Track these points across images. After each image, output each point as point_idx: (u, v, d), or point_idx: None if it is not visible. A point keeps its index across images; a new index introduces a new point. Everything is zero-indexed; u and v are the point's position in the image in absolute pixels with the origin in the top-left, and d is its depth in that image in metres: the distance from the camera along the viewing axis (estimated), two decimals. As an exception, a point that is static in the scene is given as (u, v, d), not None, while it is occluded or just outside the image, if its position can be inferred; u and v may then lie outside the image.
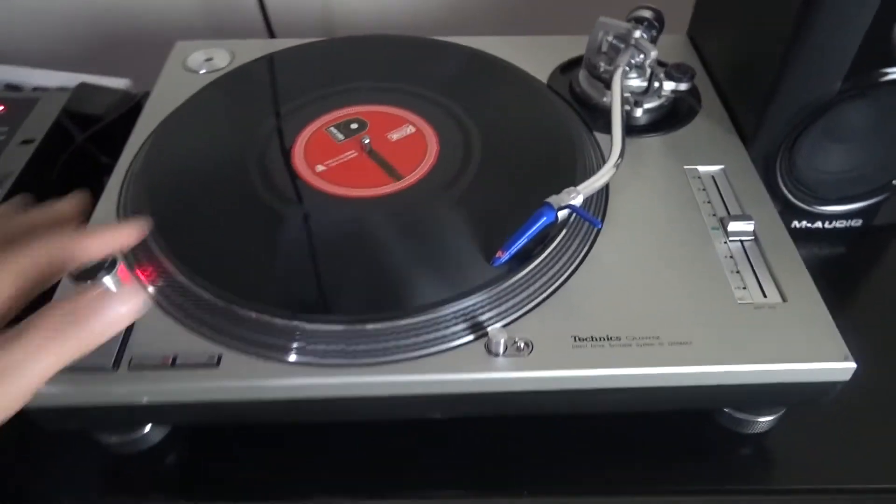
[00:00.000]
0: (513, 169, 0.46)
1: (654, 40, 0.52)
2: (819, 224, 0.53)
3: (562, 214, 0.40)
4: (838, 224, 0.54)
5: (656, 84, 0.50)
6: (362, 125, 0.49)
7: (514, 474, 0.42)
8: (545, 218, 0.40)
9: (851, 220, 0.53)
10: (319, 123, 0.49)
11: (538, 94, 0.52)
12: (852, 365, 0.37)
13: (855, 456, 0.43)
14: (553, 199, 0.40)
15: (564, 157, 0.46)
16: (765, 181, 0.50)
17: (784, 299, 0.40)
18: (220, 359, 0.36)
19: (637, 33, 0.50)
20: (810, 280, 0.40)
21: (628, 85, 0.51)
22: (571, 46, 0.58)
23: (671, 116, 0.52)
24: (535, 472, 0.42)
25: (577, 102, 0.53)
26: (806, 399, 0.39)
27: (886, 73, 0.44)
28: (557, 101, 0.52)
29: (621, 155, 0.44)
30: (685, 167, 0.48)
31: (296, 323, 0.37)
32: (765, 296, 0.40)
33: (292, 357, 0.36)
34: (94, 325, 0.27)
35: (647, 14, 0.52)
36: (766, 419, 0.42)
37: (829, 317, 0.38)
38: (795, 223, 0.53)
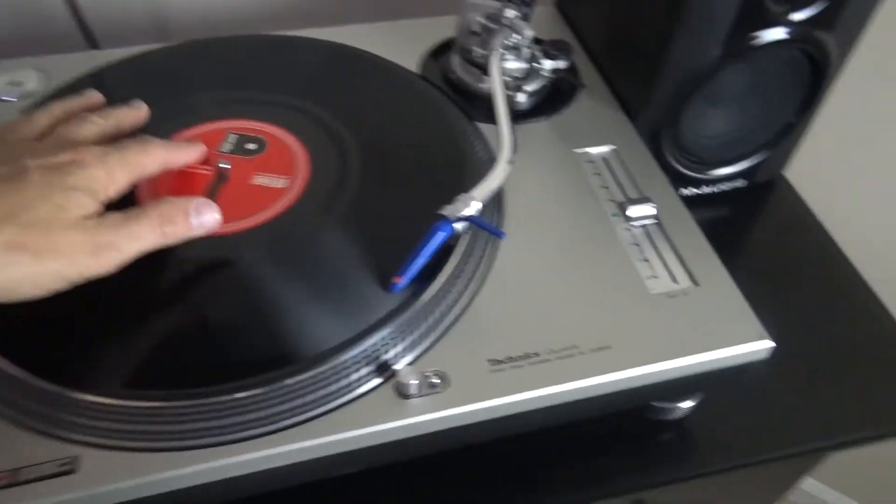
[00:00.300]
0: (396, 179, 0.41)
1: (526, 17, 0.49)
2: (706, 189, 0.53)
3: (460, 226, 0.36)
4: (724, 187, 0.54)
5: (536, 65, 0.47)
6: (260, 148, 0.42)
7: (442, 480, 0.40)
8: (442, 233, 0.36)
9: (736, 181, 0.54)
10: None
11: (415, 88, 0.47)
12: (770, 344, 0.36)
13: (771, 422, 0.43)
14: (448, 211, 0.36)
15: (450, 157, 0.42)
16: (653, 154, 0.48)
17: (695, 283, 0.38)
18: (76, 462, 0.30)
19: (509, 12, 0.47)
20: (717, 259, 0.39)
21: (506, 68, 0.47)
22: (438, 29, 0.54)
23: (553, 97, 0.49)
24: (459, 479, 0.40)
25: (455, 91, 0.49)
26: (728, 380, 0.38)
27: (760, 36, 0.43)
28: (435, 94, 0.48)
29: (514, 149, 0.40)
30: (575, 151, 0.45)
31: (154, 403, 0.31)
32: (676, 282, 0.38)
33: (166, 443, 0.31)
34: (192, 222, 0.34)
35: (516, -10, 0.49)
36: (686, 405, 0.41)
37: (741, 296, 0.37)
38: (683, 190, 0.53)
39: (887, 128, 0.69)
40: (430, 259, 0.35)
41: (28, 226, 0.29)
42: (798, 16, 0.42)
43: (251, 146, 0.42)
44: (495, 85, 0.44)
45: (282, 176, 0.40)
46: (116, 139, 0.35)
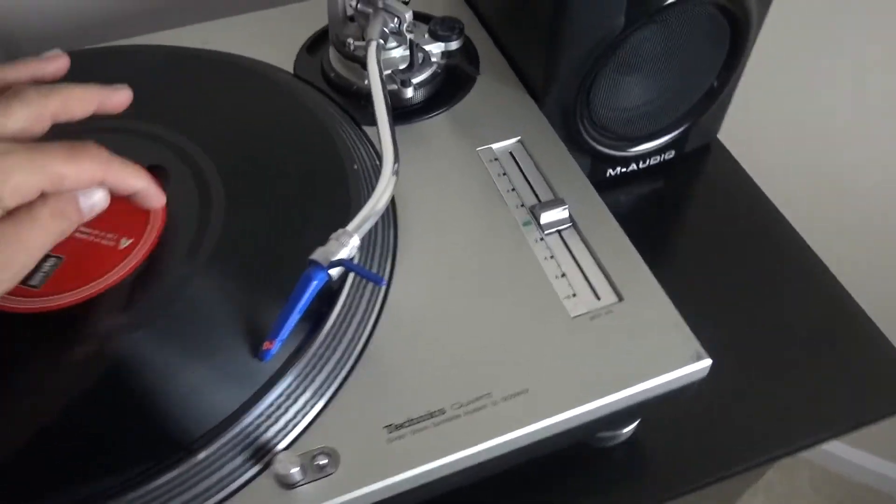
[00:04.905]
0: (269, 212, 0.35)
1: (408, -5, 0.43)
2: (634, 166, 0.48)
3: (336, 272, 0.30)
4: (652, 161, 0.49)
5: (420, 54, 0.41)
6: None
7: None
8: (315, 282, 0.30)
9: (664, 153, 0.49)
10: None
11: (287, 94, 0.40)
12: (707, 362, 0.31)
13: (731, 425, 0.39)
14: (319, 255, 0.30)
15: (332, 176, 0.36)
16: (567, 137, 0.43)
17: (620, 298, 0.33)
18: None
19: (383, -8, 0.40)
20: (644, 265, 0.34)
21: (390, 59, 0.41)
22: (315, 15, 0.47)
23: (450, 85, 0.43)
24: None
25: (336, 92, 0.43)
26: (665, 402, 0.33)
27: (670, -6, 0.38)
28: (311, 97, 0.41)
29: (396, 160, 0.35)
30: (478, 149, 0.40)
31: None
32: (598, 298, 0.33)
33: None
34: (84, 210, 0.29)
35: (391, -35, 0.42)
36: (627, 429, 0.37)
37: (673, 308, 0.33)
38: (610, 171, 0.48)
39: (821, 80, 0.65)
40: (304, 314, 0.30)
41: None
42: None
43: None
44: (373, 82, 0.37)
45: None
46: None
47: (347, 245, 0.31)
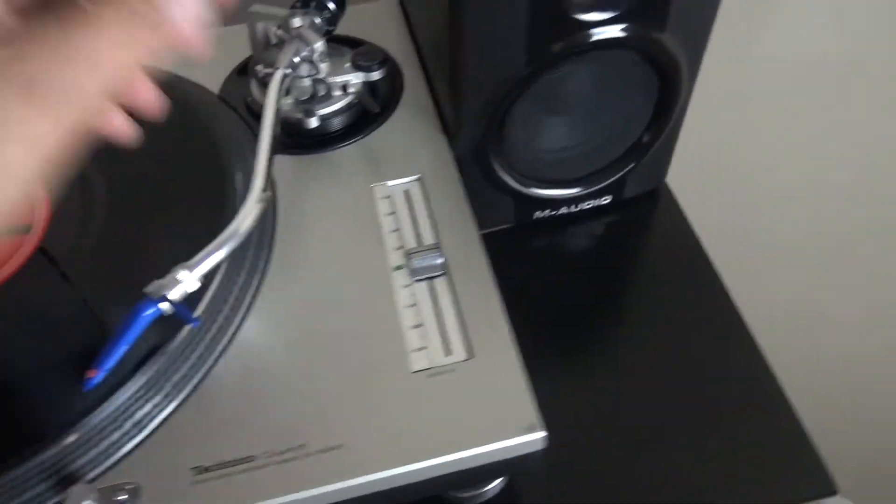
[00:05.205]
0: (146, 239, 0.35)
1: (332, 21, 0.42)
2: (564, 209, 0.46)
3: (167, 306, 0.30)
4: (585, 206, 0.46)
5: (323, 86, 0.41)
6: None
7: None
8: (144, 315, 0.30)
9: (599, 198, 0.46)
10: None
11: (189, 113, 0.41)
12: (540, 435, 0.29)
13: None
14: (153, 288, 0.30)
15: (213, 199, 0.36)
16: (484, 176, 0.42)
17: (471, 355, 0.32)
18: None
19: (296, 21, 0.40)
20: (504, 324, 0.33)
21: (303, 87, 0.41)
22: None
23: (369, 115, 0.43)
24: None
25: (254, 117, 0.43)
26: (504, 471, 0.31)
27: (591, 35, 0.36)
28: (221, 119, 0.41)
29: (265, 189, 0.34)
30: (373, 185, 0.39)
31: None
32: (450, 353, 0.32)
33: None
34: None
35: (313, -8, 0.42)
36: (489, 487, 0.35)
37: (521, 374, 0.31)
38: (538, 213, 0.46)
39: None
40: (132, 346, 0.30)
41: None
42: (599, 16, 0.35)
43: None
44: (266, 109, 0.37)
45: None
46: None
47: (184, 280, 0.30)
